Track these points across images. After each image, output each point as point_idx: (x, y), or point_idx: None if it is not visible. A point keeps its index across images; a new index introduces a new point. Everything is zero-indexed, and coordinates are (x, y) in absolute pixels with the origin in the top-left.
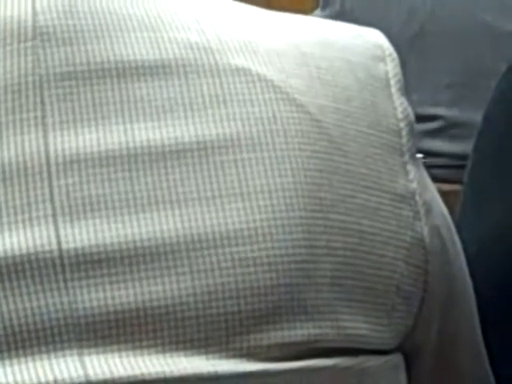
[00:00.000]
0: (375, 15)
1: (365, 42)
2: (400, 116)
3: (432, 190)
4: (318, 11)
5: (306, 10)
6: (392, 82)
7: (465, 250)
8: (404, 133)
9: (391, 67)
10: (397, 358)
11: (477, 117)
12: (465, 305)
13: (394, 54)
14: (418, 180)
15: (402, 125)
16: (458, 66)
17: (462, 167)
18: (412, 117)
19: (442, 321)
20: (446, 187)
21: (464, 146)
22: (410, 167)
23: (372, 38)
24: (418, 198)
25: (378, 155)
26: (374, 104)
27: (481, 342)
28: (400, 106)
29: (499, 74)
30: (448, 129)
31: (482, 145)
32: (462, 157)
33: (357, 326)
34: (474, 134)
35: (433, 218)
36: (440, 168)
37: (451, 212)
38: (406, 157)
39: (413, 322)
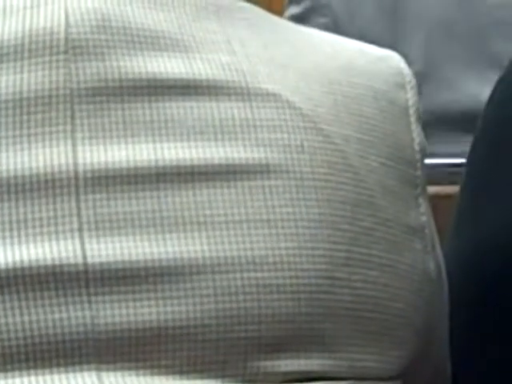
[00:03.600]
0: (352, 7)
1: (387, 68)
2: (417, 148)
3: (432, 220)
4: (291, 8)
5: None
6: (411, 111)
7: (459, 255)
8: (419, 165)
9: (411, 95)
10: (398, 383)
11: None
12: (444, 326)
13: (414, 81)
14: (427, 213)
15: (417, 157)
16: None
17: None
18: (426, 148)
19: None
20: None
21: None
22: (421, 200)
23: (393, 63)
24: (427, 231)
25: (395, 187)
26: (394, 134)
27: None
28: (417, 137)
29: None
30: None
31: (478, 149)
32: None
33: (369, 358)
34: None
35: (436, 251)
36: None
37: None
38: (419, 189)
39: (419, 352)
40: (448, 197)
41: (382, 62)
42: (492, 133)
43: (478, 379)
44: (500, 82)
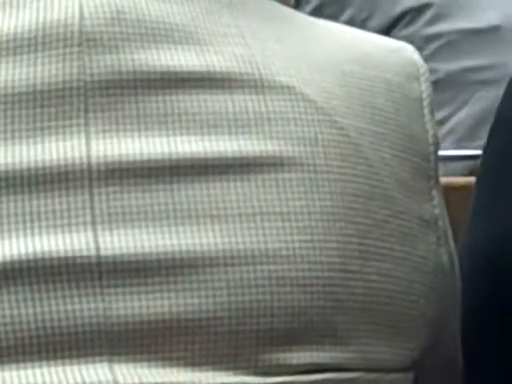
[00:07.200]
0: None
1: (401, 59)
2: (430, 140)
3: (446, 213)
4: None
5: None
6: (425, 103)
7: (474, 248)
8: (432, 157)
9: (424, 87)
10: (410, 375)
11: None
12: (455, 317)
13: (427, 73)
14: (440, 205)
15: (431, 149)
16: None
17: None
18: (439, 140)
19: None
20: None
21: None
22: (434, 192)
23: (407, 55)
24: (440, 223)
25: (409, 179)
26: (407, 126)
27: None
28: (431, 129)
29: None
30: None
31: (493, 145)
32: None
33: (381, 350)
34: None
35: (449, 244)
36: None
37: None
38: (432, 181)
39: (431, 344)
40: (460, 188)
41: (395, 54)
42: (507, 127)
43: (489, 372)
44: None
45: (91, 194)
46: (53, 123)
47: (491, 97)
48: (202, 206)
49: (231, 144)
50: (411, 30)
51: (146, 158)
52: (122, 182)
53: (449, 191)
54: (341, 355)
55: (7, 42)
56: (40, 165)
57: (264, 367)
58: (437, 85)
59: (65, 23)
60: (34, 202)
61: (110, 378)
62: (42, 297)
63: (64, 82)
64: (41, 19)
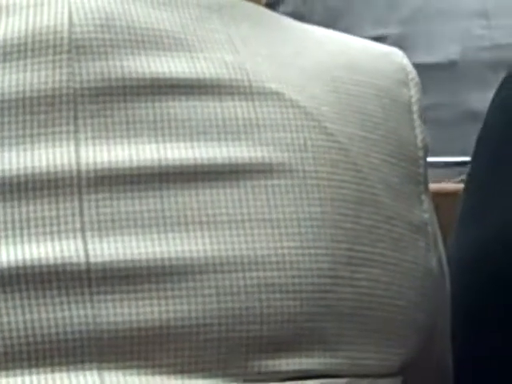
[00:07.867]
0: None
1: (390, 64)
2: (419, 145)
3: (435, 218)
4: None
5: None
6: (414, 108)
7: (463, 253)
8: (421, 162)
9: (414, 92)
10: (399, 380)
11: None
12: (446, 323)
13: (417, 78)
14: (430, 210)
15: (420, 154)
16: None
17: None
18: (428, 145)
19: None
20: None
21: None
22: (424, 197)
23: (396, 60)
24: (429, 228)
25: (398, 185)
26: (396, 131)
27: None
28: (420, 134)
29: None
30: None
31: (481, 152)
32: None
33: (370, 356)
34: None
35: (439, 248)
36: None
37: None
38: (422, 186)
39: (420, 348)
40: (449, 194)
41: (384, 59)
42: (497, 131)
43: (479, 376)
44: (505, 81)
45: (80, 201)
46: (42, 130)
47: (444, 138)
48: (191, 212)
49: (221, 151)
50: None
51: (135, 164)
52: (112, 189)
53: (438, 197)
54: (330, 361)
55: None
56: (29, 171)
57: (253, 374)
58: None
59: (54, 30)
60: (24, 209)
61: None
62: (32, 304)
63: (53, 88)
64: (30, 25)
